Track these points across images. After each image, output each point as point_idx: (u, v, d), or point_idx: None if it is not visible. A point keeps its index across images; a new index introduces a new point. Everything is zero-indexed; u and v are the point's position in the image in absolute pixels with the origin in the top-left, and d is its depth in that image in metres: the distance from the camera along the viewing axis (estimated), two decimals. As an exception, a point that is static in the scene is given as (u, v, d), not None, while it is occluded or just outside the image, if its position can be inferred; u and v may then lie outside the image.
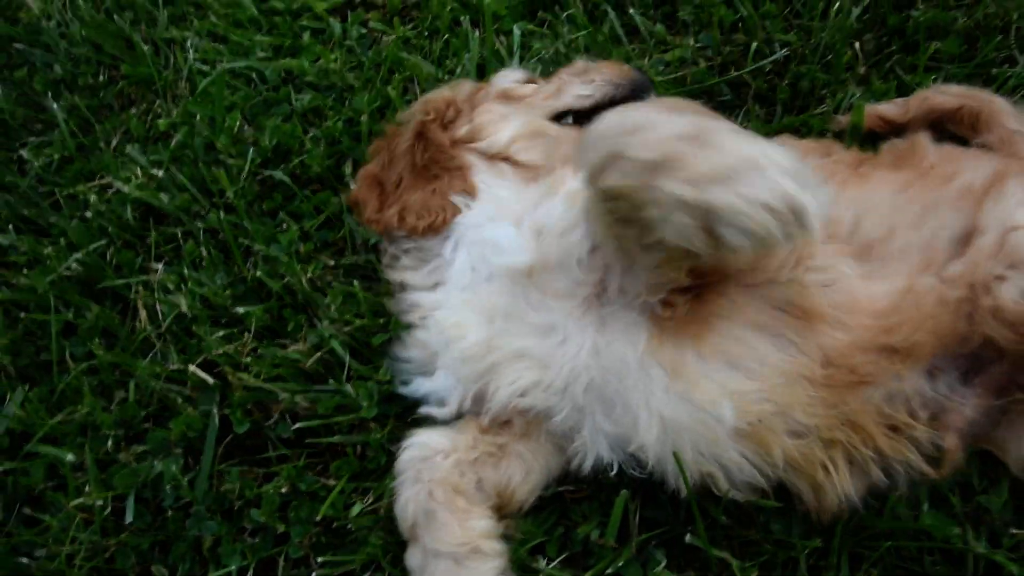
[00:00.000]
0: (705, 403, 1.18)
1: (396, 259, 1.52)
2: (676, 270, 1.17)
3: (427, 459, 1.30)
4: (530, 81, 1.69)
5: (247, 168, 1.80)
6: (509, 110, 1.60)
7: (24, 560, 1.42)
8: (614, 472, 1.29)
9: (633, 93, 1.63)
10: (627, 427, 1.23)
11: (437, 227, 1.44)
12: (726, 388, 1.18)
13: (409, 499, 1.27)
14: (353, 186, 1.67)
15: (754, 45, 1.86)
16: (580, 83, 1.64)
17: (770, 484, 1.23)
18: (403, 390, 1.45)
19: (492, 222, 1.41)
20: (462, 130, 1.57)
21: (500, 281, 1.33)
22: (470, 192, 1.46)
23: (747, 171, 0.95)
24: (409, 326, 1.45)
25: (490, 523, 1.26)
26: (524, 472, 1.35)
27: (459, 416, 1.37)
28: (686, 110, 1.37)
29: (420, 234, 1.46)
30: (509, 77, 1.68)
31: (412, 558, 1.26)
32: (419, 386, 1.42)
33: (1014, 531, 1.26)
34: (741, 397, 1.17)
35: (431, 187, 1.49)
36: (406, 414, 1.49)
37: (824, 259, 1.22)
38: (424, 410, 1.40)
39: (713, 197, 0.95)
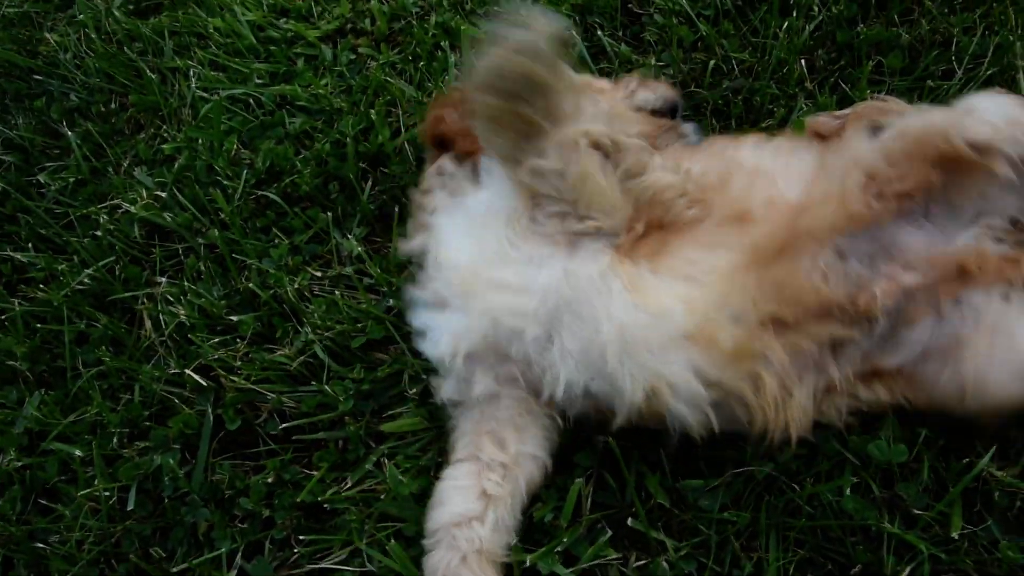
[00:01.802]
0: (659, 309, 1.34)
1: (435, 185, 1.65)
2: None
3: (460, 525, 1.42)
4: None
5: (241, 188, 1.96)
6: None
7: (39, 545, 1.58)
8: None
9: (675, 107, 1.81)
10: (589, 339, 1.36)
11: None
12: (677, 296, 1.35)
13: (441, 561, 1.39)
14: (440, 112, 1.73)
15: (712, 63, 1.99)
16: (646, 90, 1.81)
17: (712, 402, 1.35)
18: (413, 318, 1.56)
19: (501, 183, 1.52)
20: None
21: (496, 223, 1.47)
22: None
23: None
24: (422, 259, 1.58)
25: None
26: (536, 464, 1.49)
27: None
28: None
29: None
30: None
31: None
32: (426, 318, 1.54)
33: (925, 513, 1.37)
34: (690, 302, 1.34)
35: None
36: (381, 410, 1.64)
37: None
38: (426, 346, 1.53)
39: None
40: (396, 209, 1.85)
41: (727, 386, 1.34)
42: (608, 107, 1.53)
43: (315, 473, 1.59)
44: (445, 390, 1.52)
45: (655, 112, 1.77)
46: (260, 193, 1.99)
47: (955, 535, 1.32)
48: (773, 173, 1.51)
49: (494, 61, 1.28)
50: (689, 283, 1.36)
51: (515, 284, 1.40)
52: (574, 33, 1.31)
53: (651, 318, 1.33)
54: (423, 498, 1.50)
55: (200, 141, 2.11)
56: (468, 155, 1.61)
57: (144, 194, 2.03)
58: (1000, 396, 1.33)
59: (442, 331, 1.49)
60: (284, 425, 1.64)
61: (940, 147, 1.39)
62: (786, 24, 1.98)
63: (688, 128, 1.80)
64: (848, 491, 1.39)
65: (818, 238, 1.39)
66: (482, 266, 1.44)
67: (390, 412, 1.65)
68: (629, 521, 1.43)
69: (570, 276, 1.38)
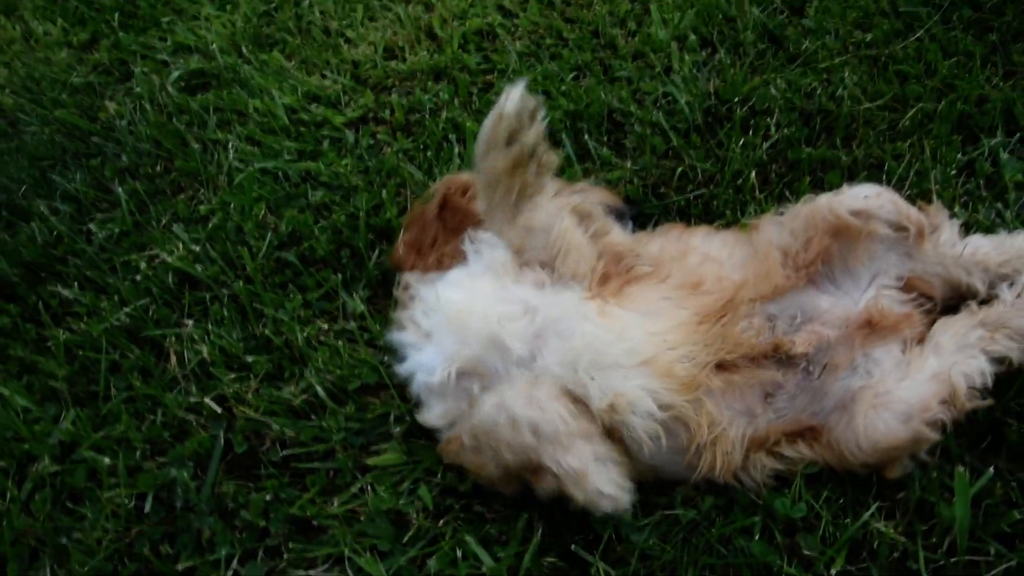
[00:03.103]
0: (623, 331, 1.65)
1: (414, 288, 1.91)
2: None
3: None
4: None
5: (266, 249, 2.27)
6: None
7: (63, 541, 1.83)
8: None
9: (617, 214, 2.04)
10: (566, 352, 1.65)
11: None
12: (639, 324, 1.66)
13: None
14: (397, 250, 2.06)
15: (679, 169, 2.30)
16: (580, 196, 2.06)
17: (662, 421, 1.60)
18: (399, 368, 1.82)
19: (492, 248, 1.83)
20: None
21: (488, 276, 1.78)
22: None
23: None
24: (408, 315, 1.84)
25: None
26: None
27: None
28: None
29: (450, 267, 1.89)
30: None
31: None
32: (413, 359, 1.80)
33: (819, 557, 1.62)
34: (650, 334, 1.65)
35: (459, 237, 1.91)
36: (369, 445, 1.91)
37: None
38: (416, 382, 1.78)
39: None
40: (397, 278, 2.15)
41: (676, 409, 1.62)
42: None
43: (306, 493, 1.85)
44: (435, 414, 1.76)
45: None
46: (280, 254, 2.29)
47: (834, 572, 1.57)
48: (720, 259, 1.85)
49: (488, 124, 1.68)
50: (649, 318, 1.68)
51: (505, 312, 1.70)
52: (541, 105, 1.70)
53: (616, 338, 1.63)
54: (398, 520, 1.78)
55: (232, 205, 2.42)
56: (444, 244, 1.94)
57: (180, 247, 2.33)
58: (886, 441, 1.60)
59: (435, 357, 1.74)
60: (284, 453, 1.91)
61: (828, 219, 1.79)
62: (742, 140, 2.30)
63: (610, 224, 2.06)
64: (756, 536, 1.65)
65: (752, 304, 1.74)
66: (476, 304, 1.73)
67: (375, 448, 1.91)
68: (572, 547, 1.69)
69: (552, 305, 1.69)
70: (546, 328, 1.68)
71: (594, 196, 1.97)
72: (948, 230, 1.86)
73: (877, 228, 1.77)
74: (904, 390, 1.63)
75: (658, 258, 1.83)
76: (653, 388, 1.62)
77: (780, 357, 1.70)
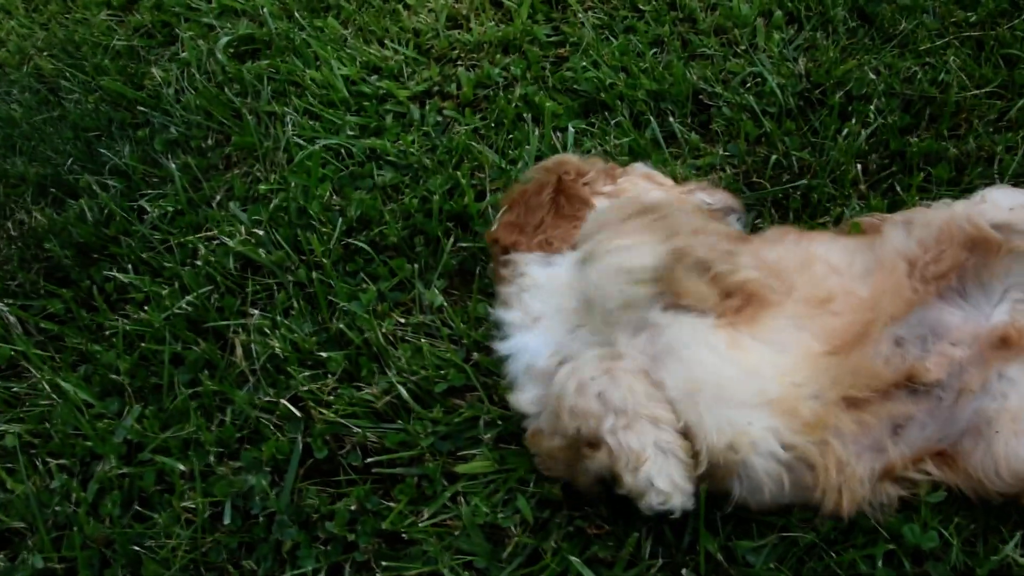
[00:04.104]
0: (753, 368, 1.53)
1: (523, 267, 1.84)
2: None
3: None
4: None
5: (336, 235, 2.13)
6: (652, 187, 1.99)
7: (136, 548, 1.73)
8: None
9: (732, 212, 1.99)
10: (686, 382, 1.54)
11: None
12: (770, 362, 1.54)
13: None
14: (495, 228, 1.97)
15: (774, 157, 2.17)
16: (706, 193, 2.01)
17: (786, 463, 1.50)
18: (499, 345, 1.77)
19: None
20: (606, 188, 1.94)
21: None
22: None
23: None
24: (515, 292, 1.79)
25: None
26: None
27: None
28: None
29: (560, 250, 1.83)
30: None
31: None
32: (518, 339, 1.74)
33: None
34: (779, 369, 1.53)
35: (573, 223, 1.86)
36: (457, 449, 1.80)
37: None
38: (516, 362, 1.72)
39: None
40: (477, 269, 2.03)
41: (800, 450, 1.51)
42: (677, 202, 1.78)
43: (394, 504, 1.74)
44: (528, 397, 1.69)
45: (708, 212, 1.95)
46: (349, 240, 2.16)
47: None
48: (842, 269, 1.71)
49: None
50: (780, 353, 1.56)
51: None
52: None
53: (745, 375, 1.52)
54: (494, 534, 1.67)
55: (294, 184, 2.28)
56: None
57: (242, 230, 2.19)
58: None
59: (543, 343, 1.68)
60: (368, 461, 1.80)
61: (967, 230, 1.64)
62: (845, 129, 2.16)
63: (734, 224, 1.98)
64: (880, 563, 1.55)
65: (882, 327, 1.59)
66: (595, 299, 1.64)
67: (464, 454, 1.80)
68: (683, 572, 1.59)
69: (678, 326, 1.58)
70: (667, 351, 1.57)
71: (718, 198, 1.85)
72: None
73: (1021, 244, 1.63)
74: None
75: (777, 269, 1.69)
76: (776, 427, 1.51)
77: (913, 386, 1.57)
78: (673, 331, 1.57)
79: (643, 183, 2.01)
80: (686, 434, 1.52)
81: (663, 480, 1.46)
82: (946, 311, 1.64)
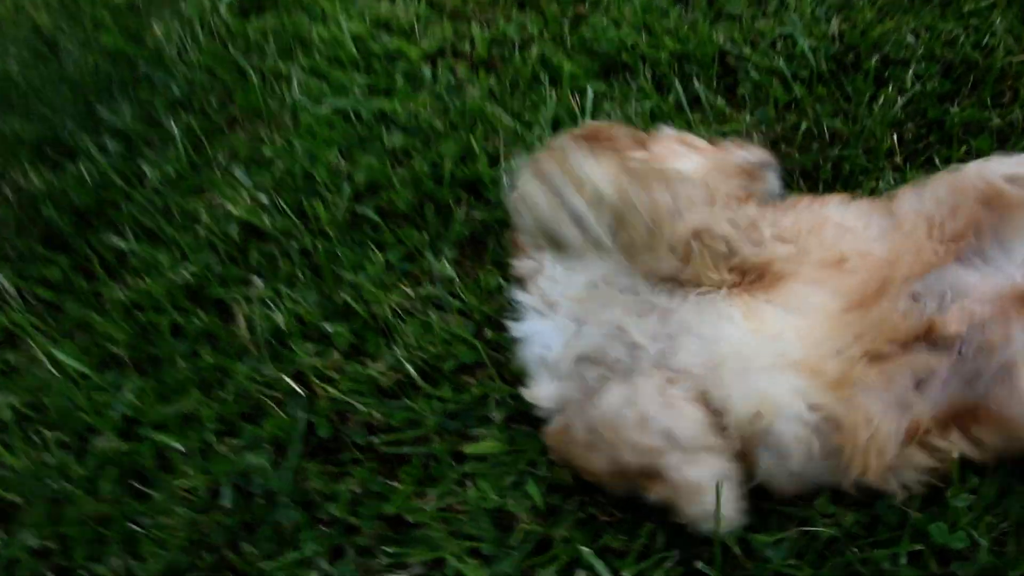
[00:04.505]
0: (773, 334, 1.47)
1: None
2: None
3: None
4: None
5: (344, 203, 2.04)
6: (686, 151, 1.89)
7: (133, 526, 1.67)
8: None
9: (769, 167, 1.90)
10: (706, 358, 1.48)
11: None
12: (790, 325, 1.48)
13: None
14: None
15: (804, 125, 2.06)
16: (744, 151, 1.91)
17: (814, 425, 1.43)
18: (513, 324, 1.69)
19: None
20: (637, 155, 1.82)
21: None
22: None
23: None
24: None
25: None
26: None
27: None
28: None
29: None
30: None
31: None
32: (531, 324, 1.66)
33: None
34: (800, 332, 1.48)
35: None
36: (466, 428, 1.72)
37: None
38: (529, 349, 1.64)
39: None
40: (489, 240, 1.93)
41: (827, 410, 1.44)
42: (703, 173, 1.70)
43: (398, 485, 1.67)
44: (545, 393, 1.61)
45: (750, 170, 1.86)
46: (356, 207, 2.06)
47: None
48: (857, 230, 1.65)
49: None
50: (799, 315, 1.50)
51: (636, 304, 1.54)
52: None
53: (766, 341, 1.47)
54: (501, 519, 1.59)
55: (299, 148, 2.19)
56: None
57: (245, 196, 2.11)
58: None
59: (556, 333, 1.61)
60: (373, 439, 1.72)
61: (979, 186, 1.58)
62: (881, 96, 2.04)
63: (774, 181, 1.87)
64: (904, 560, 1.47)
65: (900, 284, 1.54)
66: (607, 288, 1.58)
67: (472, 433, 1.72)
68: (698, 564, 1.51)
69: (691, 302, 1.52)
70: (683, 330, 1.51)
71: (756, 154, 1.77)
72: None
73: None
74: None
75: (793, 232, 1.63)
76: (802, 387, 1.44)
77: (933, 340, 1.51)
78: (686, 309, 1.51)
79: (677, 147, 1.91)
80: (715, 411, 1.46)
81: (727, 509, 1.44)
82: (964, 271, 1.58)
